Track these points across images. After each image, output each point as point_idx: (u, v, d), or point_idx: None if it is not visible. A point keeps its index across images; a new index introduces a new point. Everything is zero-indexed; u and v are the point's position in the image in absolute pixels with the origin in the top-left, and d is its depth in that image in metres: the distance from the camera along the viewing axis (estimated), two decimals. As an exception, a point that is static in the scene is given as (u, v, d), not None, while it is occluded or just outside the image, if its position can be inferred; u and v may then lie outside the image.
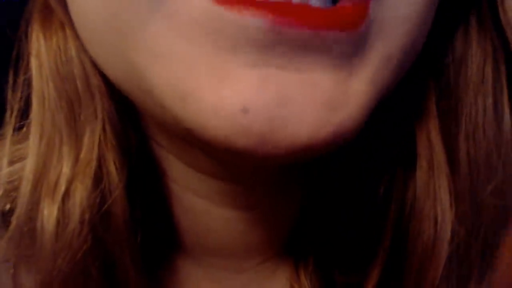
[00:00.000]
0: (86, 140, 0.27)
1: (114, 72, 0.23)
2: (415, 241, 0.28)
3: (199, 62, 0.19)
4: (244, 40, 0.18)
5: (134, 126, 0.29)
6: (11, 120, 0.29)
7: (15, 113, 0.28)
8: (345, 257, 0.30)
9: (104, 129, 0.27)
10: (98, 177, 0.27)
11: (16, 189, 0.28)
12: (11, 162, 0.29)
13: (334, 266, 0.30)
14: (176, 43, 0.19)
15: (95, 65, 0.27)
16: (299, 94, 0.19)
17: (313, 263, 0.30)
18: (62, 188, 0.26)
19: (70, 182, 0.26)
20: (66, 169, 0.26)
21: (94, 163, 0.26)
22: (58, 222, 0.26)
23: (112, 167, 0.27)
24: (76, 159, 0.27)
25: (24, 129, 0.29)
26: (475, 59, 0.28)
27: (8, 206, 0.28)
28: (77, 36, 0.27)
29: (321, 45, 0.19)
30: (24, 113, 0.29)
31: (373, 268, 0.29)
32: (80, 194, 0.26)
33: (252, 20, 0.18)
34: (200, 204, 0.29)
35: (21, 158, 0.29)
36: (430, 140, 0.28)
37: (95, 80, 0.27)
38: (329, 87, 0.19)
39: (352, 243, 0.30)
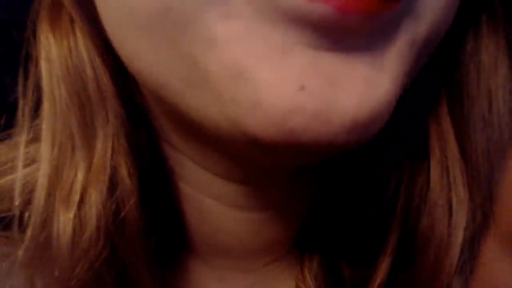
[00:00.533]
0: (99, 145, 0.26)
1: (159, 67, 0.22)
2: (429, 232, 0.28)
3: (257, 43, 0.19)
4: (305, 22, 0.19)
5: (145, 129, 0.28)
6: (23, 123, 0.28)
7: (26, 116, 0.28)
8: (353, 251, 0.30)
9: (116, 133, 0.27)
10: (113, 184, 0.26)
11: (29, 194, 0.27)
12: (24, 166, 0.28)
13: (341, 261, 0.30)
14: (234, 25, 0.19)
15: (106, 67, 0.26)
16: (343, 74, 0.19)
17: (318, 261, 0.30)
18: (77, 195, 0.26)
19: (84, 189, 0.26)
20: (80, 176, 0.26)
21: (108, 169, 0.26)
22: (74, 230, 0.26)
23: (125, 173, 0.27)
24: (90, 165, 0.26)
25: (32, 133, 0.28)
26: (487, 51, 0.28)
27: (24, 213, 0.27)
28: (87, 38, 0.26)
29: (368, 28, 0.20)
30: (34, 115, 0.28)
31: (382, 262, 0.29)
32: (96, 201, 0.26)
33: (314, 5, 0.18)
34: (212, 205, 0.29)
35: (32, 162, 0.28)
36: (443, 132, 0.28)
37: (106, 83, 0.26)
38: (366, 68, 0.20)
39: (360, 237, 0.30)
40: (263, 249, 0.31)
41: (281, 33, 0.19)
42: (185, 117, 0.22)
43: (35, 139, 0.28)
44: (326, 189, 0.30)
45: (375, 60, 0.20)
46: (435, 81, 0.28)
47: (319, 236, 0.30)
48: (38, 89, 0.27)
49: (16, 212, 0.27)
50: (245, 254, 0.31)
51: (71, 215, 0.26)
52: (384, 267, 0.29)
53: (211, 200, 0.29)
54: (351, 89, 0.20)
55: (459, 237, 0.27)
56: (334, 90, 0.19)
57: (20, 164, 0.28)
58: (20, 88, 0.28)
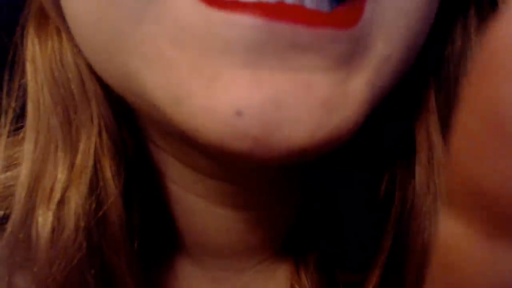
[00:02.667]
0: (81, 145, 0.27)
1: (108, 75, 0.23)
2: (415, 238, 0.28)
3: (189, 66, 0.18)
4: (234, 39, 0.18)
5: (130, 128, 0.29)
6: (5, 125, 0.28)
7: (9, 118, 0.28)
8: (346, 256, 0.30)
9: (100, 134, 0.27)
10: (94, 184, 0.26)
11: (11, 194, 0.28)
12: (6, 167, 0.28)
13: (335, 264, 0.30)
14: (165, 48, 0.19)
15: (91, 69, 0.27)
16: (293, 96, 0.18)
17: (314, 262, 0.30)
18: (57, 194, 0.26)
19: (65, 189, 0.26)
20: (61, 176, 0.26)
21: (89, 169, 0.26)
22: (53, 229, 0.26)
23: (108, 173, 0.27)
24: (72, 165, 0.26)
25: (21, 134, 0.28)
26: (476, 49, 0.27)
27: (2, 212, 0.28)
28: (72, 41, 0.27)
29: (315, 44, 0.18)
30: (20, 117, 0.28)
31: (375, 266, 0.29)
32: (75, 201, 0.26)
33: (243, 18, 0.18)
34: (199, 204, 0.29)
35: (16, 164, 0.28)
36: (429, 136, 0.27)
37: (91, 85, 0.27)
38: (325, 89, 0.19)
39: (353, 241, 0.30)
40: (253, 248, 0.31)
41: (214, 54, 0.18)
42: (151, 119, 0.23)
43: (20, 141, 0.28)
44: (316, 190, 0.30)
45: (338, 81, 0.19)
46: (422, 81, 0.27)
47: (311, 237, 0.30)
48: (24, 92, 0.28)
49: None
50: (236, 254, 0.31)
51: (50, 213, 0.26)
52: (377, 270, 0.29)
53: (197, 198, 0.29)
54: (299, 114, 0.18)
55: None
56: (277, 114, 0.18)
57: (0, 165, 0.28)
58: (4, 91, 0.28)
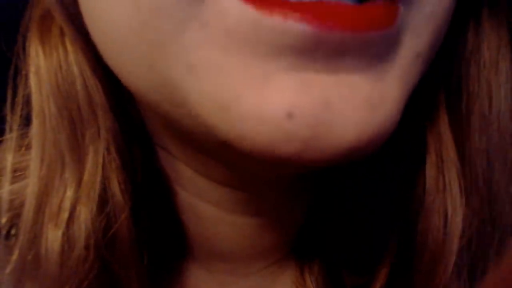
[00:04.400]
0: (89, 161, 0.26)
1: (139, 84, 0.21)
2: (424, 237, 0.27)
3: (238, 71, 0.18)
4: (284, 45, 0.18)
5: (138, 137, 0.28)
6: (11, 138, 0.28)
7: (14, 132, 0.27)
8: (353, 257, 0.30)
9: (108, 148, 0.26)
10: (103, 200, 0.26)
11: (16, 208, 0.27)
12: (12, 182, 0.28)
13: (341, 267, 0.30)
14: (213, 54, 0.18)
15: (98, 80, 0.26)
16: (339, 96, 0.18)
17: (318, 265, 0.30)
18: (66, 212, 0.25)
19: (74, 206, 0.26)
20: (69, 193, 0.26)
21: (98, 185, 0.26)
22: (62, 248, 0.25)
23: (116, 188, 0.26)
24: (80, 182, 0.26)
25: (26, 141, 0.28)
26: (489, 47, 0.27)
27: (12, 229, 0.27)
28: (78, 51, 0.26)
29: (358, 47, 0.19)
30: (25, 125, 0.28)
31: (382, 267, 0.29)
32: (85, 218, 0.25)
33: (294, 25, 0.18)
34: (210, 210, 0.29)
35: (22, 176, 0.28)
36: (440, 134, 0.27)
37: (97, 97, 0.26)
38: (367, 88, 0.19)
39: (359, 243, 0.29)
40: (261, 253, 0.31)
41: (260, 61, 0.18)
42: (177, 130, 0.22)
43: (27, 148, 0.28)
44: (324, 195, 0.30)
45: (377, 78, 0.19)
46: (433, 80, 0.27)
47: (318, 241, 0.30)
48: (28, 104, 0.27)
49: (3, 230, 0.27)
50: (244, 259, 0.31)
51: (59, 233, 0.25)
52: (383, 272, 0.29)
53: (208, 206, 0.29)
54: (349, 113, 0.18)
55: (454, 243, 0.27)
56: (327, 115, 0.18)
57: (7, 181, 0.27)
58: (8, 103, 0.27)
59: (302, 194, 0.30)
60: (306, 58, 0.18)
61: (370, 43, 0.19)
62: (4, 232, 0.27)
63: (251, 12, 0.18)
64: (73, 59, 0.26)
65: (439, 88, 0.27)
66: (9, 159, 0.28)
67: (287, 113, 0.18)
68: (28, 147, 0.28)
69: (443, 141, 0.27)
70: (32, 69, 0.26)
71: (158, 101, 0.21)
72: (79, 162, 0.26)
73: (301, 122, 0.18)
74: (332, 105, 0.18)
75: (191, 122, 0.20)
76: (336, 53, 0.18)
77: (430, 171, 0.27)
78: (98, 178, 0.26)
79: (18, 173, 0.28)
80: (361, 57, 0.19)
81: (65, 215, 0.25)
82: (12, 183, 0.28)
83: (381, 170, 0.29)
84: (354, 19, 0.18)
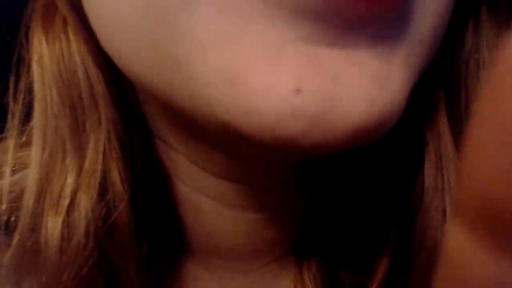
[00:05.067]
0: (90, 149, 0.26)
1: (141, 69, 0.21)
2: (423, 235, 0.27)
3: (252, 42, 0.18)
4: (307, 9, 0.17)
5: (138, 128, 0.28)
6: (13, 127, 0.28)
7: (16, 120, 0.27)
8: (351, 255, 0.30)
9: (108, 137, 0.26)
10: (104, 188, 0.26)
11: (18, 198, 0.27)
12: (13, 171, 0.28)
13: (339, 264, 0.30)
14: (223, 28, 0.18)
15: (99, 70, 0.26)
16: (348, 73, 0.18)
17: (317, 263, 0.30)
18: (66, 199, 0.25)
19: (74, 193, 0.26)
20: (70, 180, 0.26)
21: (98, 174, 0.26)
22: (62, 235, 0.25)
23: (117, 177, 0.26)
24: (80, 169, 0.26)
25: (24, 137, 0.28)
26: (488, 49, 0.27)
27: (12, 217, 0.27)
28: (81, 41, 0.26)
29: (369, 20, 0.18)
30: (26, 117, 0.28)
31: (379, 265, 0.29)
32: (85, 206, 0.25)
33: None
34: (209, 205, 0.29)
35: (23, 167, 0.28)
36: (439, 133, 0.27)
37: (98, 86, 0.26)
38: (373, 64, 0.19)
39: (357, 241, 0.29)
40: (261, 250, 0.31)
41: (277, 29, 0.18)
42: (178, 116, 0.22)
43: (27, 143, 0.28)
44: (323, 190, 0.30)
45: (384, 55, 0.19)
46: (432, 79, 0.27)
47: (317, 238, 0.30)
48: (30, 92, 0.27)
49: (3, 217, 0.27)
50: (243, 255, 0.31)
51: (59, 220, 0.25)
52: (382, 270, 0.29)
53: (208, 200, 0.28)
54: (357, 88, 0.18)
55: None
56: (337, 91, 0.18)
57: (8, 169, 0.28)
58: (11, 92, 0.28)
59: (301, 190, 0.30)
60: (322, 29, 0.18)
61: (378, 17, 0.18)
62: (4, 219, 0.27)
63: None
64: (76, 49, 0.26)
65: (439, 87, 0.27)
66: (11, 148, 0.28)
67: (296, 89, 0.17)
68: (28, 144, 0.28)
69: (442, 140, 0.27)
70: (35, 57, 0.27)
71: (159, 85, 0.21)
72: (80, 149, 0.26)
73: (308, 98, 0.17)
74: (340, 80, 0.18)
75: (192, 104, 0.20)
76: (347, 25, 0.18)
77: (429, 170, 0.27)
78: (99, 166, 0.26)
79: (18, 166, 0.28)
80: (369, 32, 0.18)
81: (65, 202, 0.25)
82: (12, 174, 0.28)
83: (380, 168, 0.29)
84: None
